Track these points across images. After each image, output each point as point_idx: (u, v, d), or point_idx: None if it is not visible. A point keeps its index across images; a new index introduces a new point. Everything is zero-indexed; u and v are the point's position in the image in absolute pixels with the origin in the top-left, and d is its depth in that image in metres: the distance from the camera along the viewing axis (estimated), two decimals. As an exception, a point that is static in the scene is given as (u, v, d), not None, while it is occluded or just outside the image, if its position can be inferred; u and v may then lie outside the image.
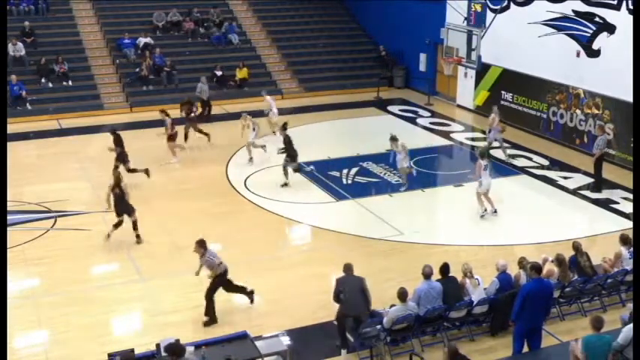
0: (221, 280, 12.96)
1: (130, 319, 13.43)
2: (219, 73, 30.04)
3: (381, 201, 18.87)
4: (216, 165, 21.43)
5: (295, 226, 17.58)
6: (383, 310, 11.98)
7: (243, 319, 12.76)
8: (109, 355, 10.25)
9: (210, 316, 12.82)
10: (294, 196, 19.07)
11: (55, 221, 17.48)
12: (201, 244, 12.86)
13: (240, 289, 13.44)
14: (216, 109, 28.19)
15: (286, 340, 11.30)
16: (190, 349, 10.23)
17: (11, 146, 20.88)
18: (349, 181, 20.38)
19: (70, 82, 28.53)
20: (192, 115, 23.59)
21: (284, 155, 19.65)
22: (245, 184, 19.95)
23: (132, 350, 10.13)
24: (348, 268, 12.05)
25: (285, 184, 19.48)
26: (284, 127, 20.06)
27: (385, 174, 20.75)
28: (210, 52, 31.59)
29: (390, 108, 28.74)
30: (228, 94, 29.66)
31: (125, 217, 16.19)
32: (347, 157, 22.20)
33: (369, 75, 31.78)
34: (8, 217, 17.34)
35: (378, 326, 11.58)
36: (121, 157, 19.68)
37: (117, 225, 16.12)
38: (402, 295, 11.67)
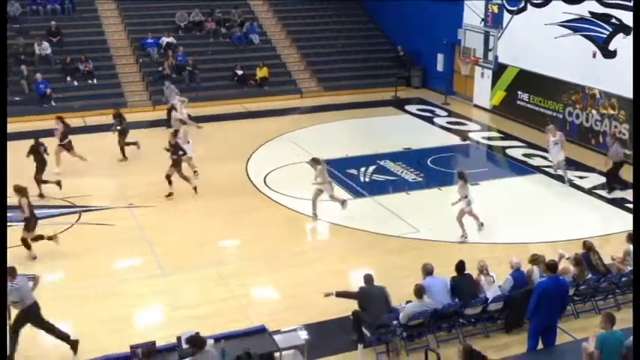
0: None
1: (151, 312, 13.51)
2: (239, 72, 30.11)
3: (398, 199, 18.86)
4: (237, 162, 21.46)
5: (313, 223, 17.59)
6: (399, 306, 11.97)
7: (262, 314, 12.79)
8: (132, 347, 10.34)
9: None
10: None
11: (80, 216, 17.60)
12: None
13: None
14: (237, 107, 28.28)
15: (304, 335, 11.33)
16: (210, 342, 10.29)
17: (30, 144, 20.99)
18: (367, 179, 20.37)
19: (95, 81, 28.70)
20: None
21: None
22: (265, 182, 19.98)
23: (153, 343, 10.21)
24: (368, 279, 12.02)
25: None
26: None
27: (402, 172, 20.72)
28: (231, 52, 31.66)
29: (407, 107, 28.68)
30: (249, 93, 29.72)
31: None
32: (365, 156, 22.17)
33: (386, 75, 31.72)
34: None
35: (394, 321, 11.58)
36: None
37: None
38: (419, 291, 11.68)
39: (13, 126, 24.63)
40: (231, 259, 15.62)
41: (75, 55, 29.01)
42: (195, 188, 18.92)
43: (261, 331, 11.25)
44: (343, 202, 17.43)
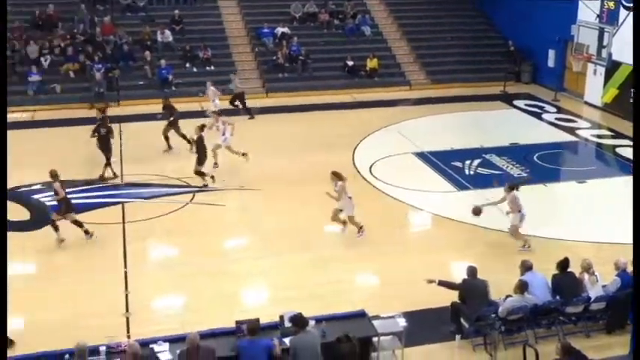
0: None
1: (256, 291, 13.77)
2: (350, 63, 30.17)
3: (503, 193, 18.42)
4: (344, 151, 21.53)
5: (417, 214, 17.47)
6: (499, 300, 11.76)
7: (362, 299, 12.81)
8: (237, 322, 10.58)
9: None
10: (417, 184, 18.94)
11: (194, 196, 18.12)
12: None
13: None
14: (346, 97, 28.36)
15: (402, 322, 11.28)
16: (312, 322, 10.42)
17: (158, 124, 21.77)
18: (471, 172, 20.04)
19: (212, 68, 29.41)
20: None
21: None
22: (370, 171, 19.99)
23: (257, 320, 10.41)
24: (472, 272, 11.86)
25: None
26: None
27: (508, 167, 20.27)
28: (342, 43, 31.73)
29: (515, 102, 27.99)
30: (358, 84, 29.73)
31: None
32: (470, 149, 21.81)
33: (496, 69, 30.99)
34: (153, 190, 18.28)
35: (493, 315, 11.39)
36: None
37: None
38: (522, 286, 11.45)
39: (135, 108, 25.73)
40: (334, 245, 15.71)
41: (195, 43, 29.82)
42: (212, 177, 18.84)
43: (360, 315, 11.30)
44: (360, 229, 15.59)
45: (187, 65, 29.29)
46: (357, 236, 15.51)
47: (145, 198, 17.99)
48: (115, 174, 19.18)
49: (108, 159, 19.15)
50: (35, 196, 17.82)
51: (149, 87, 27.99)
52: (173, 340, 10.45)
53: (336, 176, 15.59)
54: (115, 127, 21.69)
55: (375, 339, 10.88)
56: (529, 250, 14.77)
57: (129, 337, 11.55)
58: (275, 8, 33.08)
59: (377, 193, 18.52)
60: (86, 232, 15.41)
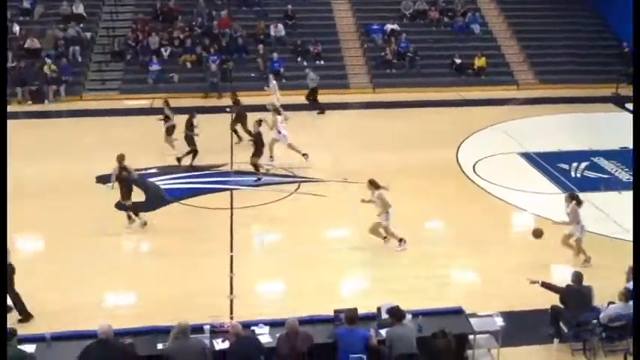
0: None
1: (355, 281, 13.83)
2: (458, 60, 29.72)
3: (609, 197, 17.76)
4: (448, 148, 21.26)
5: (519, 214, 17.07)
6: (601, 306, 11.33)
7: (459, 295, 12.65)
8: (335, 311, 10.66)
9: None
10: (521, 184, 18.49)
11: (299, 186, 18.35)
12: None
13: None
14: (452, 95, 27.98)
15: (500, 321, 11.06)
16: (408, 316, 10.38)
17: (255, 116, 22.11)
18: (578, 175, 19.38)
19: (322, 62, 29.63)
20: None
21: None
22: (474, 169, 19.66)
23: (355, 309, 10.45)
24: (578, 278, 11.43)
25: None
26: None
27: (616, 171, 19.48)
28: (451, 41, 31.30)
29: (628, 105, 26.81)
30: (465, 82, 29.26)
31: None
32: (578, 151, 21.08)
33: (608, 71, 29.79)
34: (263, 178, 18.63)
35: (595, 320, 11.00)
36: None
37: None
38: (626, 294, 11.00)
39: (247, 99, 26.14)
40: (436, 240, 15.59)
41: (306, 38, 30.13)
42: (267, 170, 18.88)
43: (457, 312, 11.15)
44: (400, 241, 14.71)
45: (298, 59, 29.63)
46: (397, 249, 14.68)
47: (252, 186, 18.35)
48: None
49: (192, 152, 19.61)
50: (151, 179, 18.49)
51: (261, 79, 28.46)
52: (273, 324, 10.62)
53: (373, 185, 14.60)
54: (225, 116, 22.35)
55: (471, 337, 10.72)
56: (589, 265, 13.95)
57: (232, 318, 11.84)
58: (385, 5, 32.97)
59: (480, 191, 18.20)
60: (129, 217, 15.83)
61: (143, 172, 18.70)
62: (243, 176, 18.96)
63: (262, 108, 22.47)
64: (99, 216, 16.26)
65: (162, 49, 28.97)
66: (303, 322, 10.33)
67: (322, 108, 25.52)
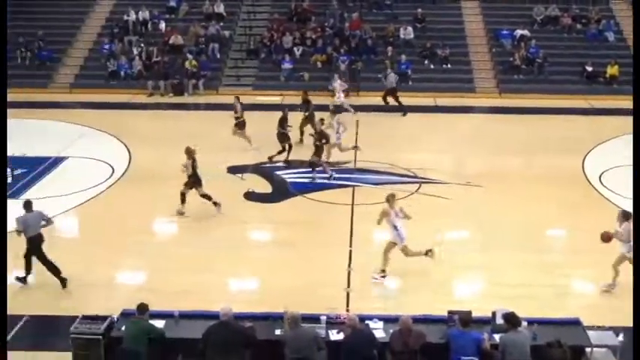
0: None
1: (472, 283, 13.55)
2: (589, 68, 28.49)
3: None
4: (575, 156, 20.40)
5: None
6: None
7: (578, 306, 12.13)
8: (450, 312, 10.49)
9: None
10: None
11: (420, 187, 18.17)
12: None
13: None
14: (582, 102, 26.90)
15: (620, 337, 10.51)
16: (524, 323, 10.06)
17: (388, 116, 22.12)
18: None
19: (449, 65, 29.22)
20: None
21: None
22: (600, 179, 18.80)
23: (470, 312, 10.24)
24: None
25: None
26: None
27: None
28: (583, 48, 30.09)
29: None
30: (596, 90, 28.01)
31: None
32: None
33: None
34: (382, 177, 18.61)
35: None
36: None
37: None
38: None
39: (373, 99, 26.25)
40: (554, 248, 15.06)
41: (435, 41, 29.79)
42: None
43: (575, 323, 10.69)
44: (382, 272, 13.34)
45: (425, 62, 29.36)
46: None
47: (374, 184, 18.35)
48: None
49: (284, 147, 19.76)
50: (278, 172, 18.87)
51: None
52: (387, 320, 10.58)
53: (392, 200, 13.39)
54: (351, 116, 22.50)
55: (588, 350, 10.26)
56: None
57: (348, 310, 11.90)
58: (516, 10, 32.09)
59: (605, 202, 17.38)
60: (215, 203, 16.10)
61: (270, 165, 19.12)
62: (365, 174, 19.00)
63: (386, 108, 22.50)
64: (228, 204, 16.76)
65: (295, 49, 29.50)
66: (417, 320, 10.21)
67: (404, 110, 25.16)
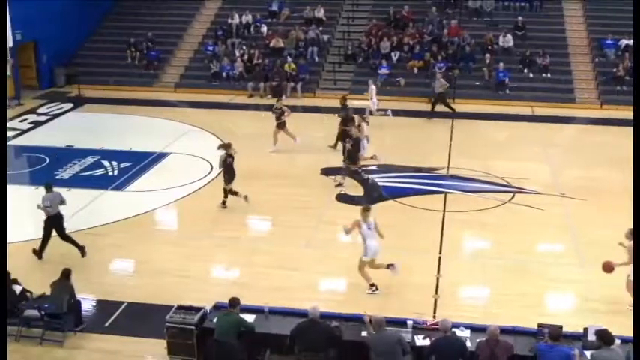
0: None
1: (562, 298, 13.11)
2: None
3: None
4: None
5: None
6: None
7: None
8: (539, 325, 10.20)
9: None
10: None
11: (513, 196, 17.73)
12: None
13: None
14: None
15: None
16: (617, 341, 9.64)
17: (483, 124, 21.70)
18: None
19: (549, 75, 28.38)
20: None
21: None
22: None
23: (560, 327, 9.91)
24: None
25: None
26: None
27: None
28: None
29: None
30: None
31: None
32: None
33: None
34: (475, 185, 18.29)
35: None
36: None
37: None
38: None
39: (469, 107, 25.87)
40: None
41: (534, 50, 28.99)
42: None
43: (672, 344, 10.17)
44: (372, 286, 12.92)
45: (524, 70, 28.63)
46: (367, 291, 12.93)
47: (467, 191, 18.04)
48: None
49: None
50: (371, 176, 18.83)
51: (484, 88, 27.93)
52: (474, 329, 10.40)
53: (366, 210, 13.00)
54: (446, 122, 22.19)
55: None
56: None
57: (434, 317, 11.76)
58: (621, 20, 30.78)
59: None
60: (245, 197, 16.56)
61: (363, 168, 19.10)
62: (458, 181, 18.72)
63: (486, 116, 22.10)
64: (320, 205, 16.89)
65: (392, 54, 29.38)
66: (505, 330, 10.00)
67: (453, 109, 24.80)
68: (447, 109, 24.94)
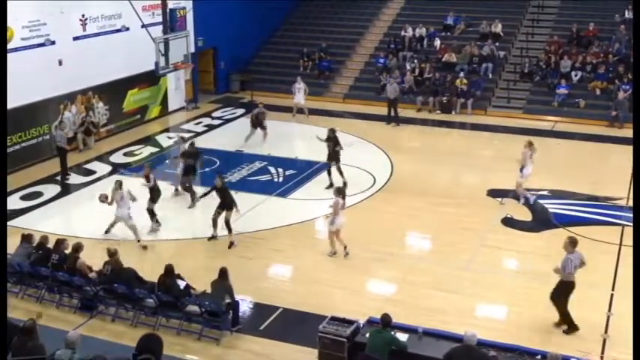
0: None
1: None
2: None
3: None
4: None
5: None
6: None
7: None
8: None
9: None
10: None
11: None
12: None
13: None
14: None
15: None
16: None
17: None
18: None
19: None
20: None
21: None
22: None
23: None
24: None
25: None
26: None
27: None
28: None
29: None
30: None
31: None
32: None
33: None
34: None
35: None
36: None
37: None
38: None
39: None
40: None
41: None
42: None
43: None
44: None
45: None
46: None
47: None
48: None
49: None
50: (541, 201, 18.11)
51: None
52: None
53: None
54: (627, 148, 20.89)
55: None
56: None
57: (602, 358, 11.07)
58: None
59: None
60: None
61: (534, 192, 18.42)
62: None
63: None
64: (484, 228, 16.49)
65: (573, 73, 28.12)
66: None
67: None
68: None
